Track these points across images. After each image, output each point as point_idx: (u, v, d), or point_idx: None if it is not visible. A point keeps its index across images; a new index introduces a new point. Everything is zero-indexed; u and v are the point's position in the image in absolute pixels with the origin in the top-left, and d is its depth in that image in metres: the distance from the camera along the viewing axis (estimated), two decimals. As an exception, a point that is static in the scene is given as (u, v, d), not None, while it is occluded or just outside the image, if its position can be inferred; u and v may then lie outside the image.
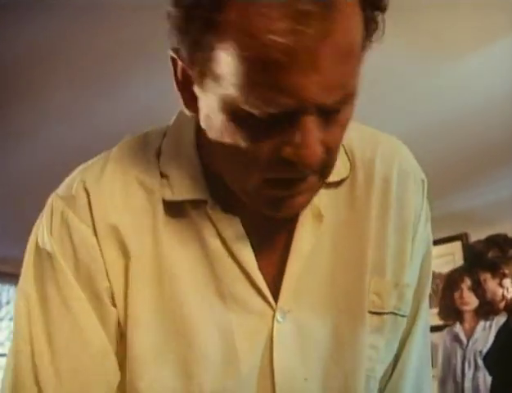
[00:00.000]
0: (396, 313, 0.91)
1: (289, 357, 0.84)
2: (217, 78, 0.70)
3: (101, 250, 0.83)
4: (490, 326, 3.80)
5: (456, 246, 5.26)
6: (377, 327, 0.89)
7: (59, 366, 0.81)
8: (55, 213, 0.85)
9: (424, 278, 0.98)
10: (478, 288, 2.97)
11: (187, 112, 0.80)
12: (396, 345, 0.93)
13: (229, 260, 0.84)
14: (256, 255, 0.85)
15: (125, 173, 0.87)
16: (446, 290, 4.14)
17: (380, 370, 0.91)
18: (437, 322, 4.39)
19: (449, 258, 5.22)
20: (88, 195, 0.84)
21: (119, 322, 0.83)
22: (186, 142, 0.88)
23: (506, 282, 2.85)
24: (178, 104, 0.81)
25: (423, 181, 0.96)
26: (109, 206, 0.84)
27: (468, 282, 3.89)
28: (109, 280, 0.83)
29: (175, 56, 0.76)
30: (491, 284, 2.89)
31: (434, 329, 4.87)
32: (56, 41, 2.73)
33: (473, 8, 2.70)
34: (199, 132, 0.84)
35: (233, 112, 0.71)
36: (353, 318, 0.88)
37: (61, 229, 0.84)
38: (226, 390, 0.82)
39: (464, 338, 4.01)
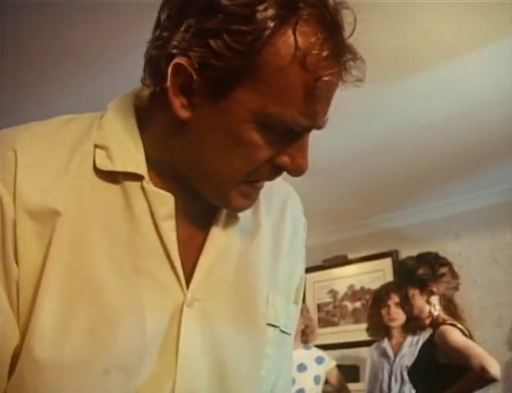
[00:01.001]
0: (283, 331, 0.99)
1: (193, 342, 0.88)
2: (261, 93, 0.80)
3: (15, 220, 0.82)
4: (417, 341, 3.83)
5: (387, 262, 5.33)
6: (272, 339, 0.96)
7: None
8: None
9: (300, 303, 1.11)
10: (406, 304, 2.98)
11: (179, 114, 0.83)
12: (279, 362, 0.99)
13: (154, 238, 0.87)
14: (179, 239, 0.88)
15: (58, 140, 0.89)
16: (374, 306, 4.18)
17: (269, 381, 0.97)
18: (366, 337, 4.49)
19: (379, 274, 5.32)
20: (16, 164, 0.84)
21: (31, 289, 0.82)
22: (128, 123, 0.91)
23: (434, 299, 2.88)
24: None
25: (305, 223, 1.12)
26: (35, 180, 0.84)
27: (395, 298, 3.96)
28: (16, 246, 0.82)
29: (183, 63, 0.80)
30: (419, 300, 2.91)
31: (363, 344, 4.98)
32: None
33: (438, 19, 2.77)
34: (144, 118, 0.91)
35: (261, 123, 0.81)
36: (254, 326, 0.94)
37: None
38: (131, 362, 0.83)
39: (391, 353, 4.04)
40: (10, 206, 0.82)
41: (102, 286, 0.83)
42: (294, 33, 0.78)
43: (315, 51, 0.79)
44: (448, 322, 2.81)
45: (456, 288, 2.98)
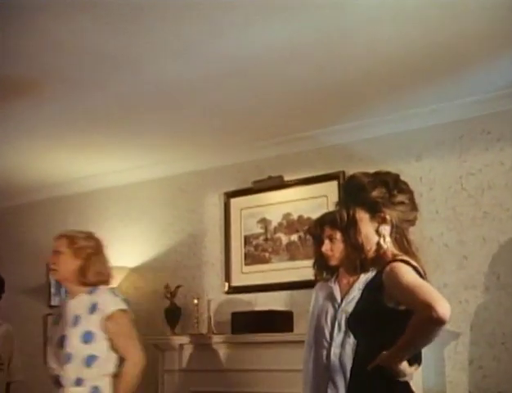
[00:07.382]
0: None
1: None
2: None
3: None
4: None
5: (331, 186, 4.89)
6: None
7: None
8: None
9: None
10: (349, 229, 2.51)
11: None
12: None
13: None
14: None
15: None
16: (315, 245, 3.72)
17: None
18: (302, 277, 4.34)
19: (321, 200, 4.91)
20: None
21: None
22: None
23: (384, 228, 2.45)
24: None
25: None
26: None
27: (329, 231, 3.50)
28: None
29: None
30: (367, 227, 2.46)
31: (299, 286, 4.56)
32: None
33: None
34: None
35: None
36: None
37: None
38: None
39: (338, 295, 3.53)
40: None
41: None
42: None
43: None
44: (399, 257, 2.37)
45: (412, 223, 2.55)
